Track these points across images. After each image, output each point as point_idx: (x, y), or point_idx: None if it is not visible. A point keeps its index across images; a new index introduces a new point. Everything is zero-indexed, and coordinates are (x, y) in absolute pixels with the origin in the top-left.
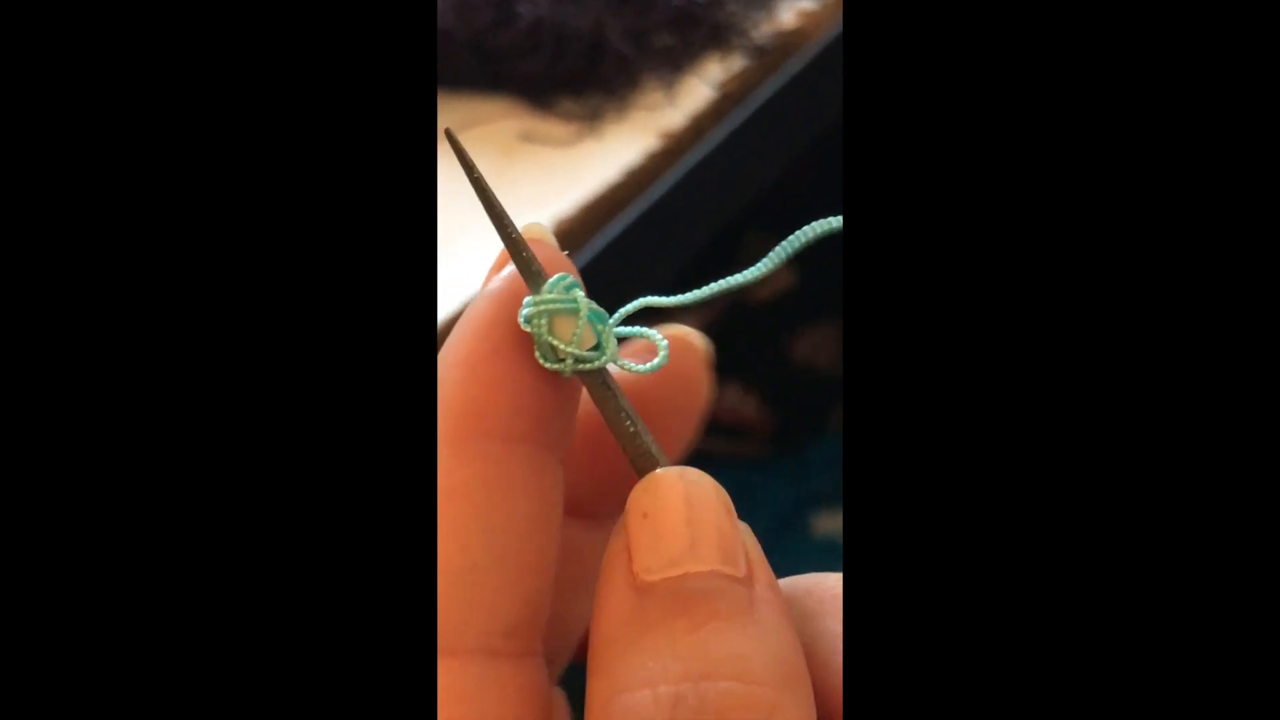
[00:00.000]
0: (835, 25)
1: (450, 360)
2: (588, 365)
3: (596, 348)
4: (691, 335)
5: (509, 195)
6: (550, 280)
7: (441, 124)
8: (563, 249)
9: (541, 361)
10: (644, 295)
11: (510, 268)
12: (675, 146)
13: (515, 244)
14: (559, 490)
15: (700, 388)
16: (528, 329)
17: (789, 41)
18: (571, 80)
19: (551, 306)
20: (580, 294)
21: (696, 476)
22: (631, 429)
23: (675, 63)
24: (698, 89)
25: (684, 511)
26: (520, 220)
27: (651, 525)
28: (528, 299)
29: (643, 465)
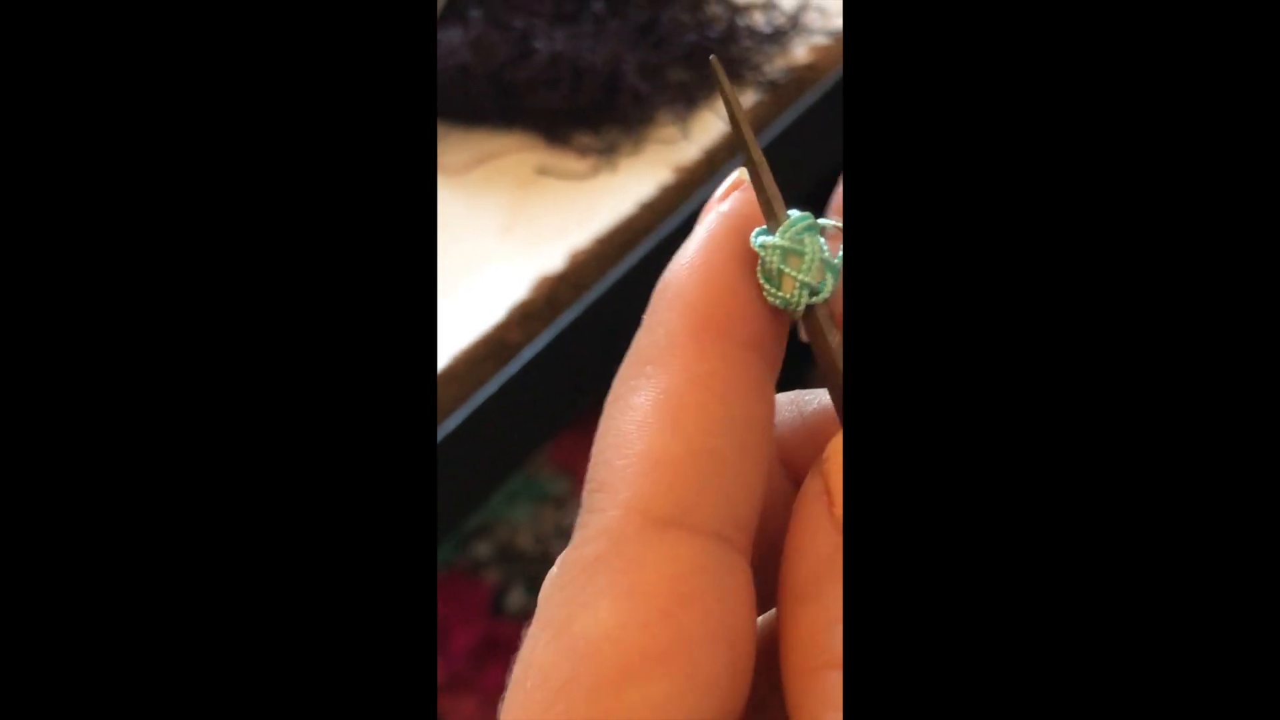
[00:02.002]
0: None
1: (688, 264)
2: (818, 298)
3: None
4: None
5: (527, 227)
6: (794, 216)
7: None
8: (579, 281)
9: (768, 294)
10: None
11: (739, 193)
12: (689, 180)
13: (760, 175)
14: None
15: None
16: (764, 254)
17: (802, 76)
18: (588, 114)
19: (787, 242)
20: (814, 234)
21: None
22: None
23: (690, 97)
24: (712, 123)
25: None
26: (539, 252)
27: None
28: (760, 231)
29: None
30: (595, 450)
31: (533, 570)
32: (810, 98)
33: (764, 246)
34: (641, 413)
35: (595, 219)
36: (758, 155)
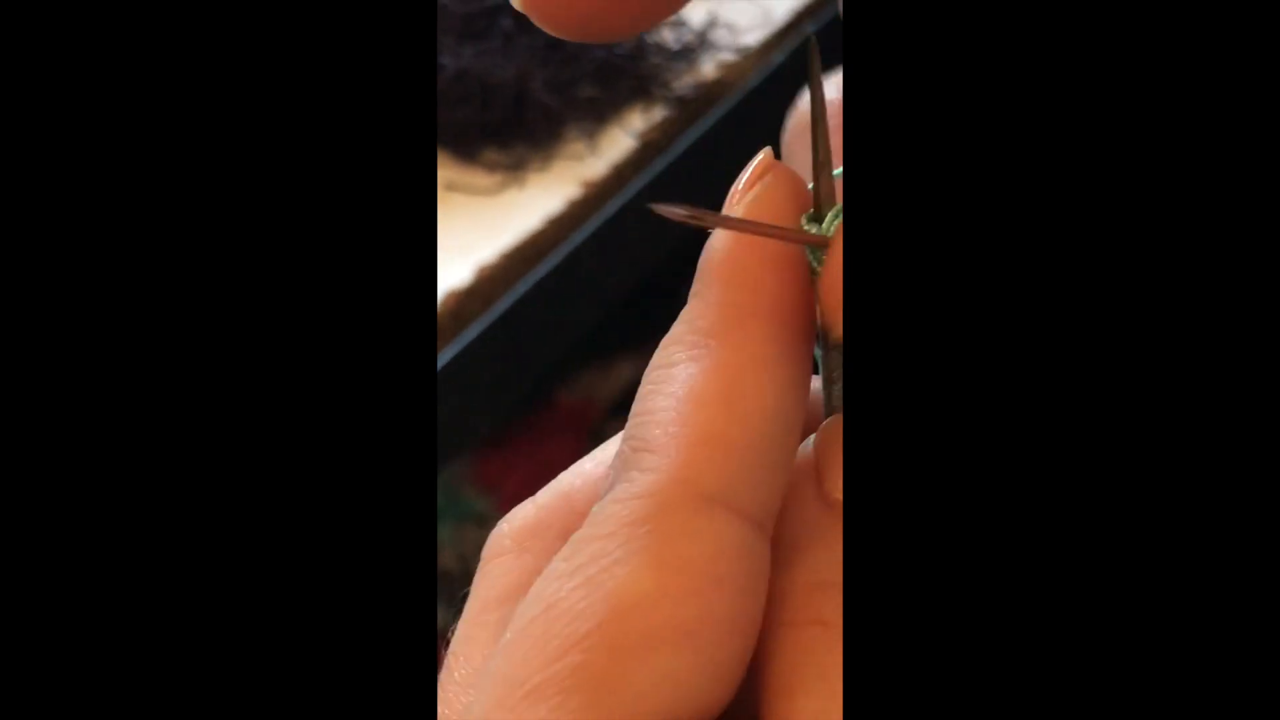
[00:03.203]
0: (754, 77)
1: (745, 247)
2: None
3: None
4: None
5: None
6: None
7: None
8: (486, 295)
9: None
10: (568, 338)
11: (773, 177)
12: (597, 195)
13: (824, 164)
14: None
15: None
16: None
17: (710, 92)
18: (495, 130)
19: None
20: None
21: None
22: (839, 364)
23: (598, 113)
24: (620, 139)
25: None
26: (446, 267)
27: None
28: (809, 216)
29: (834, 404)
30: (640, 409)
31: (455, 589)
32: (717, 113)
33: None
34: (698, 384)
35: (502, 234)
36: (827, 141)
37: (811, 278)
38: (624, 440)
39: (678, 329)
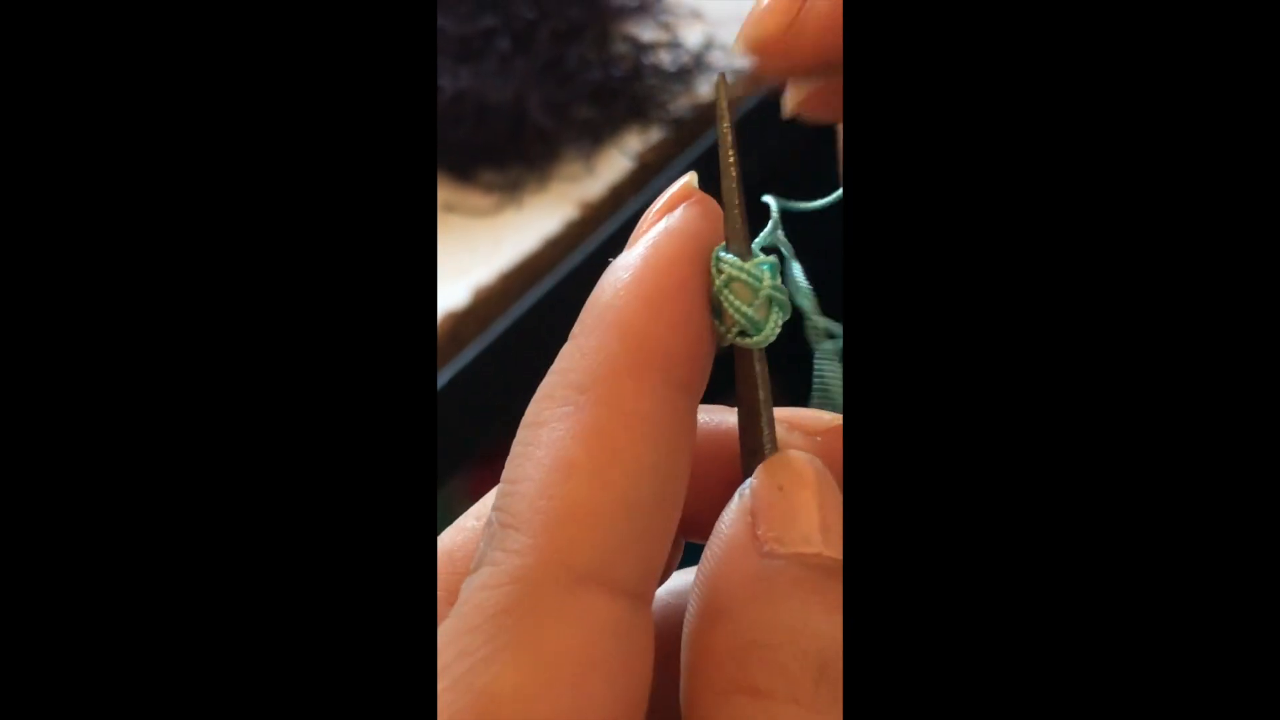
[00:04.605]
0: (750, 98)
1: (635, 286)
2: (751, 340)
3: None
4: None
5: None
6: (757, 247)
7: None
8: (483, 316)
9: (717, 321)
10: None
11: (690, 207)
12: (594, 216)
13: (734, 197)
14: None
15: None
16: (720, 283)
17: (706, 114)
18: (492, 151)
19: (744, 274)
20: (769, 270)
21: (823, 467)
22: (766, 411)
23: (595, 135)
24: (616, 160)
25: (818, 495)
26: (443, 288)
27: (787, 500)
28: (724, 254)
29: (763, 448)
30: (510, 475)
31: None
32: (714, 134)
33: (722, 276)
34: (566, 449)
35: (499, 255)
36: (737, 173)
37: (717, 330)
38: (494, 507)
39: (549, 380)
